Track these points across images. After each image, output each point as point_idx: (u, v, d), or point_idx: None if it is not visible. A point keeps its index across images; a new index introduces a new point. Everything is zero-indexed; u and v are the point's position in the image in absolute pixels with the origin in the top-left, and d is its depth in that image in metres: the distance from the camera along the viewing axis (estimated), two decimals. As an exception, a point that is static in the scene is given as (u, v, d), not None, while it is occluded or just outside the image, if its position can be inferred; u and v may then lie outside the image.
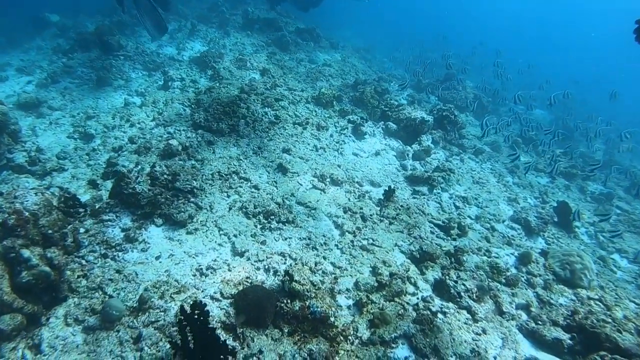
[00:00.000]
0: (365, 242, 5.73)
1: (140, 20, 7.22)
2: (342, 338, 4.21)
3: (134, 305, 4.02)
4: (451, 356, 4.27)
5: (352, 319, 4.52)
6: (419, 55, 17.24)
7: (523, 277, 5.99)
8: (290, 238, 5.49)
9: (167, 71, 10.15)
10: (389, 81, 13.41)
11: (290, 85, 10.34)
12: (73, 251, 4.39)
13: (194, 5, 15.53)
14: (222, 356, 3.04)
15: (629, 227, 8.44)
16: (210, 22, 14.01)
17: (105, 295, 4.05)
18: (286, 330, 4.08)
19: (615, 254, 7.47)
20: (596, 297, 5.65)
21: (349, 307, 4.70)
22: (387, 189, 6.71)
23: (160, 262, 4.72)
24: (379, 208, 6.57)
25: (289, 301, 4.21)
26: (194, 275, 4.61)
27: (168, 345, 3.51)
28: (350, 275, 5.12)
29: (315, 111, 9.34)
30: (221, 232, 5.35)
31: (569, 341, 4.74)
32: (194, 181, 5.83)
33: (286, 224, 5.70)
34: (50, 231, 4.21)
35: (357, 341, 4.27)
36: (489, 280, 5.66)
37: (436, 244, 6.14)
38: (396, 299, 4.93)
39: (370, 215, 6.32)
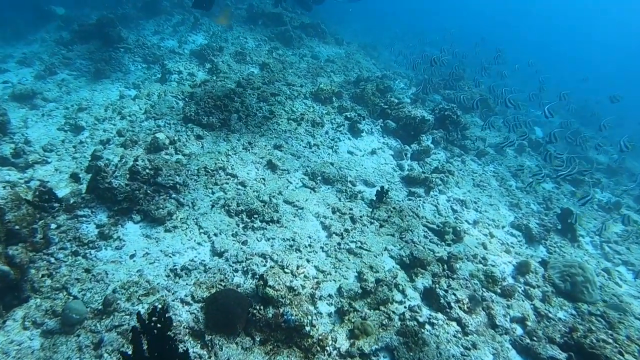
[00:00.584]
0: (352, 245, 5.45)
1: None
2: (318, 349, 3.95)
3: (99, 307, 3.82)
4: (435, 372, 3.99)
5: (332, 328, 4.26)
6: (422, 53, 16.55)
7: (520, 287, 5.65)
8: (273, 238, 5.24)
9: (165, 64, 10.00)
10: (393, 79, 13.02)
11: (289, 80, 10.07)
12: (42, 248, 4.22)
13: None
14: (179, 368, 2.82)
15: (638, 238, 7.97)
16: (214, 15, 13.79)
17: (70, 296, 3.85)
18: (258, 339, 3.84)
19: (622, 266, 7.05)
20: (598, 312, 5.29)
21: (329, 315, 4.45)
22: (379, 189, 6.41)
23: (134, 261, 4.52)
24: (370, 209, 6.28)
25: (262, 307, 3.96)
26: (167, 276, 4.40)
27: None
28: (334, 280, 4.85)
29: (313, 107, 9.06)
30: (201, 230, 5.13)
31: (565, 360, 4.42)
32: (177, 176, 5.63)
33: (270, 224, 5.45)
34: (17, 227, 4.05)
35: (335, 352, 4.01)
36: (484, 289, 5.34)
37: (429, 249, 5.83)
38: (381, 308, 4.66)
39: (361, 216, 6.03)
